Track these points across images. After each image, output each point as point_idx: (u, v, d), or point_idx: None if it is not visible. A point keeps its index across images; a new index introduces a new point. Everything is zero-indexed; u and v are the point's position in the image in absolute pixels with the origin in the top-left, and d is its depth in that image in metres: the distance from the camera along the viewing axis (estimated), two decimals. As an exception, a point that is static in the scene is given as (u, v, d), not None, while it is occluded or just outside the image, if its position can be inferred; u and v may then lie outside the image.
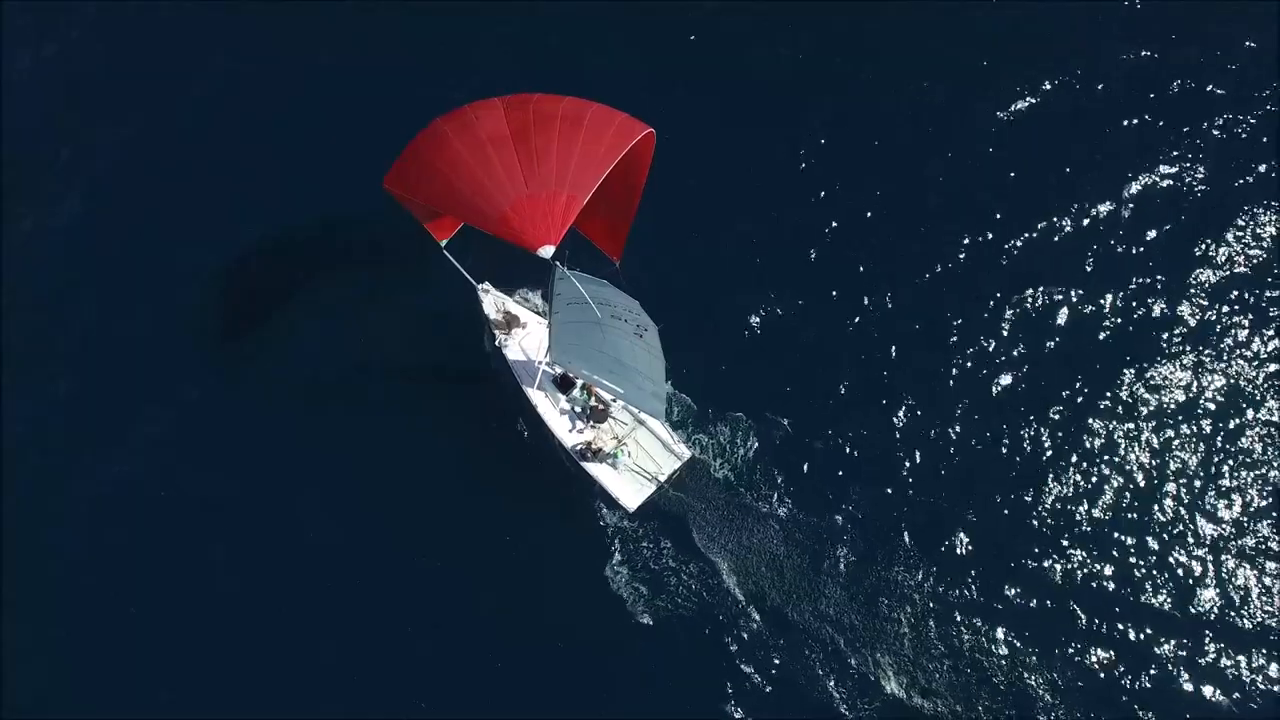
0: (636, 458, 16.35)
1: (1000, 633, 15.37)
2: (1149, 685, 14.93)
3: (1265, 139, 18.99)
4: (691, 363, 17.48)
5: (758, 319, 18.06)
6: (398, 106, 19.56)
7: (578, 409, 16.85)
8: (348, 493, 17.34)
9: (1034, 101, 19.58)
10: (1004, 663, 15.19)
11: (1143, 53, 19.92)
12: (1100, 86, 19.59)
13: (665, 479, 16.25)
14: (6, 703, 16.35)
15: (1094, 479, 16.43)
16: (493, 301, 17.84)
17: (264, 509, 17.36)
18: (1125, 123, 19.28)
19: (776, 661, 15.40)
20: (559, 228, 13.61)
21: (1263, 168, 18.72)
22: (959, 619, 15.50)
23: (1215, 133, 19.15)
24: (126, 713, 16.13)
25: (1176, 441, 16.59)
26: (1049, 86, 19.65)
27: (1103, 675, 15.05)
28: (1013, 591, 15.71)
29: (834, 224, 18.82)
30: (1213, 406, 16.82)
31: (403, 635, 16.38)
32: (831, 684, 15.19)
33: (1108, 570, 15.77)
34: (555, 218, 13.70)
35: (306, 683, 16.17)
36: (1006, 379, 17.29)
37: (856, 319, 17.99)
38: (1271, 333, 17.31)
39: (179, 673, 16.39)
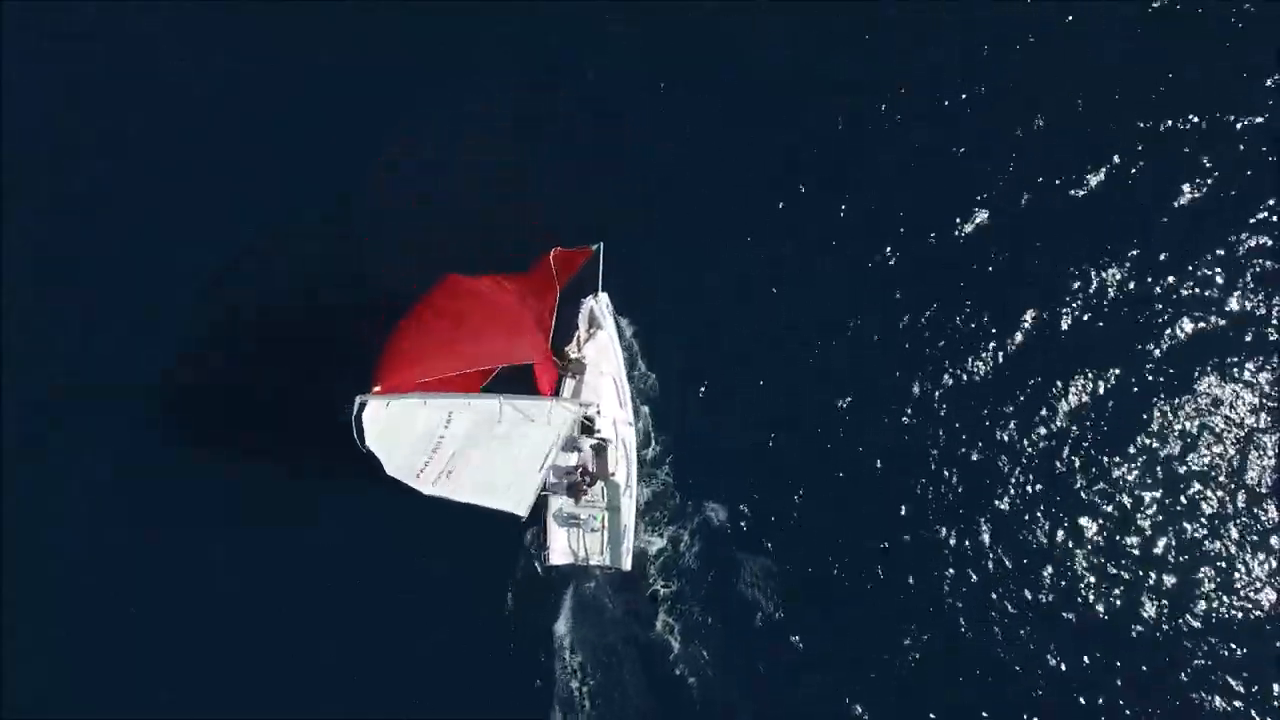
0: (585, 536, 16.21)
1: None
2: None
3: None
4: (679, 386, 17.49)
5: (754, 355, 17.88)
6: (398, 107, 19.56)
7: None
8: (348, 493, 17.30)
9: (1042, 105, 19.42)
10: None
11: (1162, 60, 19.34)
12: (1115, 91, 19.31)
13: (593, 564, 16.19)
14: (6, 703, 16.38)
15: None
16: (590, 314, 17.02)
17: (264, 509, 17.38)
18: (1142, 128, 18.97)
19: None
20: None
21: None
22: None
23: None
24: (126, 713, 16.16)
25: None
26: (1057, 89, 19.51)
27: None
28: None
29: (835, 229, 18.77)
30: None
31: (403, 635, 16.40)
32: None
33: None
34: None
35: (306, 683, 16.20)
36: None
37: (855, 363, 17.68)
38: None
39: (179, 673, 16.43)
